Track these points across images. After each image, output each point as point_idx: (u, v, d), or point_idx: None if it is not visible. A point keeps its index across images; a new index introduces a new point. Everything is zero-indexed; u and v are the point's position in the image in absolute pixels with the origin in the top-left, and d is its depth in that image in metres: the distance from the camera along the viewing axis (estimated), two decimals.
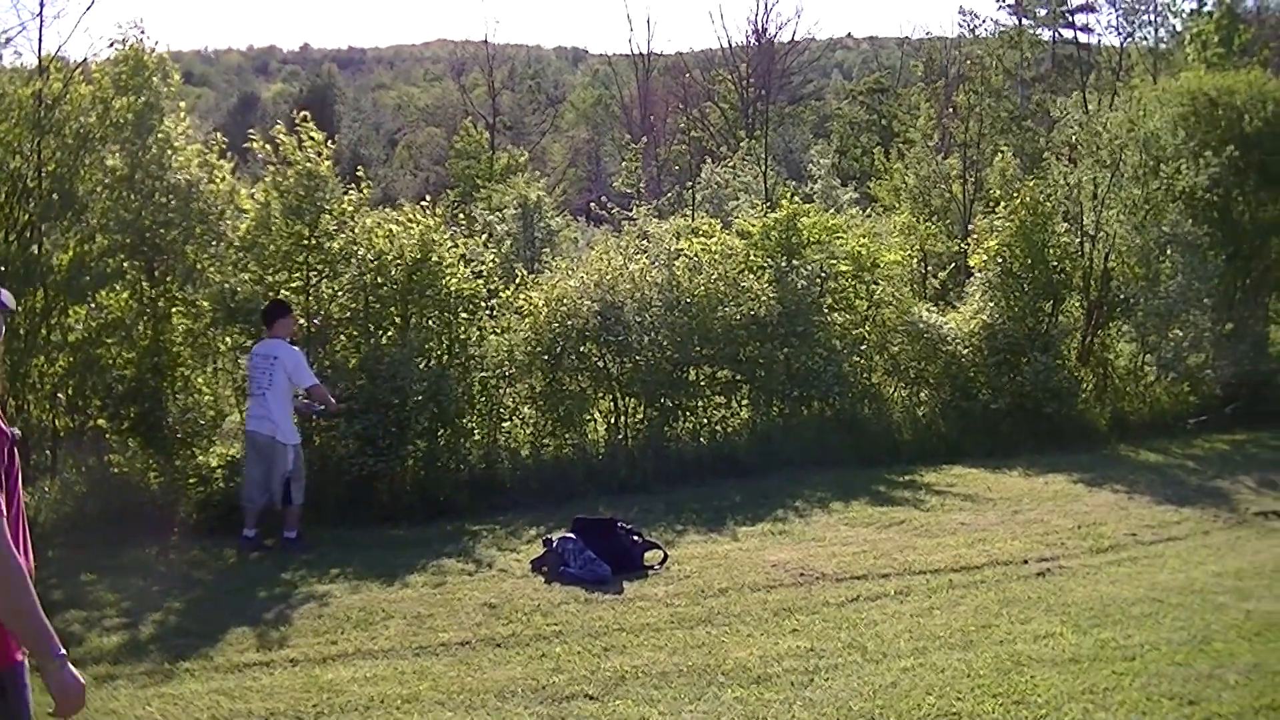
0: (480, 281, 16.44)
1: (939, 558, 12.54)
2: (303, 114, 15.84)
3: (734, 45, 73.28)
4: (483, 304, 16.52)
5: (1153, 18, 59.36)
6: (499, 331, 16.67)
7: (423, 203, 16.64)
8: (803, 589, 11.42)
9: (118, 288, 14.69)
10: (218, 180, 15.17)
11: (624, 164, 51.13)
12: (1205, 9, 39.90)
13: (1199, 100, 24.25)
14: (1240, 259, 24.00)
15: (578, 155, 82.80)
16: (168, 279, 15.01)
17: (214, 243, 15.08)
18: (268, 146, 15.36)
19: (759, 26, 70.91)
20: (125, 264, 14.64)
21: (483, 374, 16.35)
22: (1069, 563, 12.40)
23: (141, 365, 14.83)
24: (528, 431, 16.98)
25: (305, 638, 10.07)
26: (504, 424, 16.88)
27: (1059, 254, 21.24)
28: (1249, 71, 26.52)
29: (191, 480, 14.55)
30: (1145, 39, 59.67)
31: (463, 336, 16.22)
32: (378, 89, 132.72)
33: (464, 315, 16.23)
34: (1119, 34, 62.21)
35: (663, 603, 11.03)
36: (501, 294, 17.13)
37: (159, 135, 14.65)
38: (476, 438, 16.34)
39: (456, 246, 16.25)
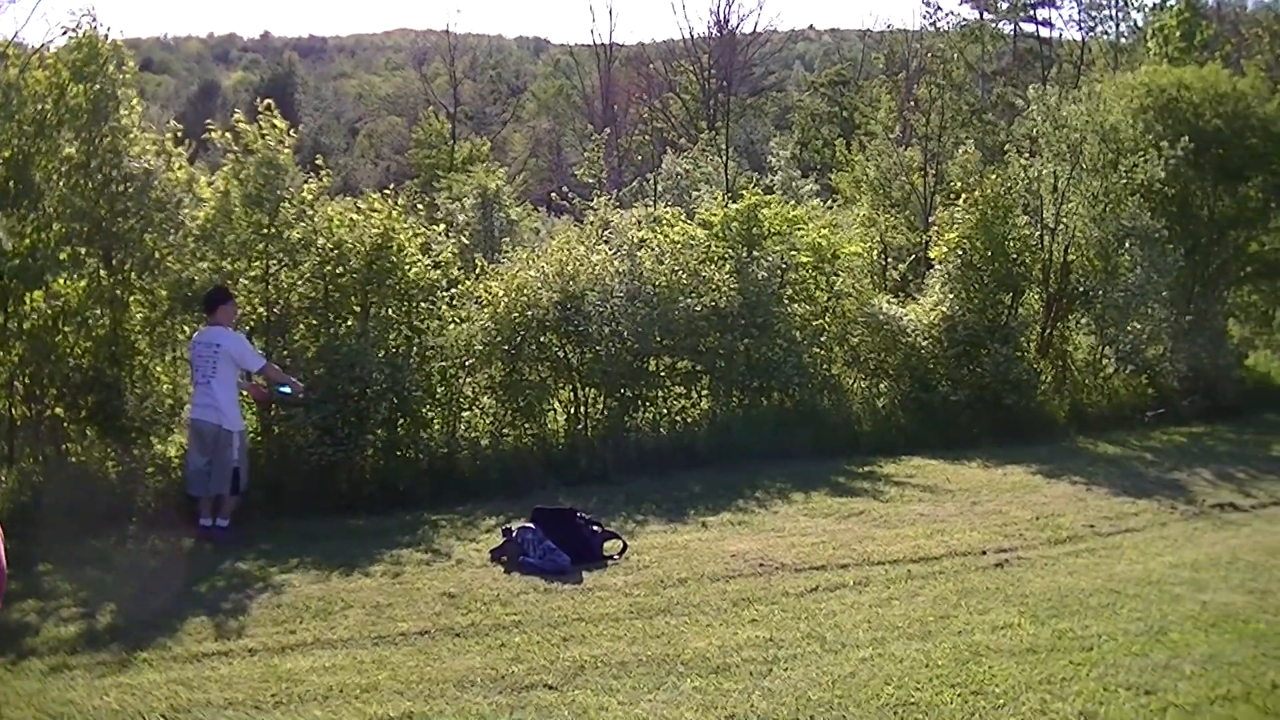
0: (439, 271, 16.37)
1: (898, 548, 12.58)
2: (266, 102, 15.75)
3: (696, 36, 73.16)
4: (442, 294, 16.45)
5: (1114, 13, 59.57)
6: (459, 321, 16.59)
7: (383, 192, 16.56)
8: (762, 579, 11.44)
9: (75, 276, 14.54)
10: (175, 168, 15.04)
11: (585, 154, 51.09)
12: (1168, 4, 40.13)
13: (1157, 95, 24.43)
14: (1198, 253, 24.21)
15: (539, 145, 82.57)
16: (125, 267, 14.85)
17: (172, 231, 14.91)
18: (228, 135, 15.25)
19: (721, 18, 70.78)
20: (83, 252, 14.50)
21: (442, 364, 16.26)
22: (1027, 554, 12.47)
23: (99, 354, 14.68)
24: (487, 421, 16.93)
25: (264, 627, 10.01)
26: (464, 414, 16.81)
27: (1019, 246, 21.33)
28: (1206, 67, 26.70)
29: (150, 470, 14.41)
30: (1106, 34, 59.88)
31: (422, 326, 16.14)
32: (339, 78, 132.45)
33: (424, 305, 16.16)
34: (1080, 29, 62.45)
35: (622, 593, 11.02)
36: (461, 284, 17.06)
37: (114, 123, 14.51)
38: (436, 428, 16.28)
39: (417, 236, 16.18)
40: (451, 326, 16.45)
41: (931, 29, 60.63)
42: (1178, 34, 36.77)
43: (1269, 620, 10.22)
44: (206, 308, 13.60)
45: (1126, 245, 21.33)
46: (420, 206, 18.22)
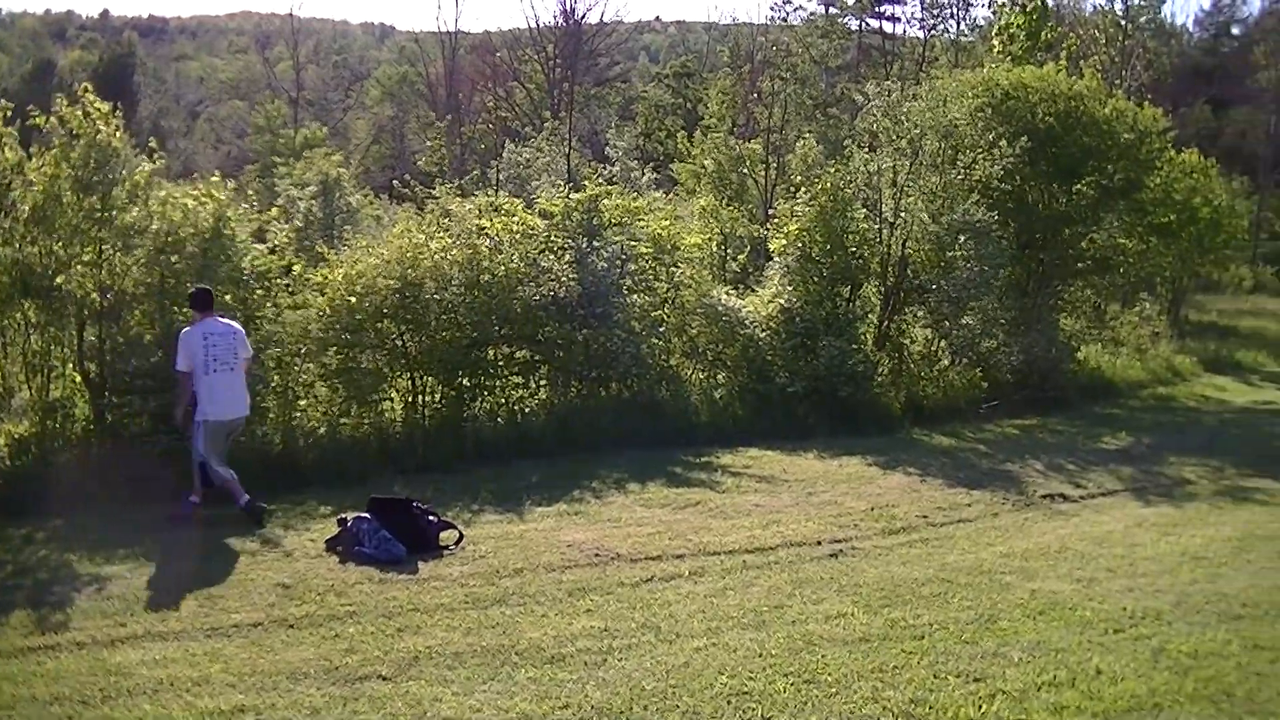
0: (275, 257, 16.15)
1: (734, 539, 12.64)
2: (84, 85, 15.38)
3: (542, 25, 73.23)
4: (278, 280, 16.23)
5: (955, 11, 60.58)
6: (295, 308, 16.36)
7: (214, 177, 16.28)
8: (598, 569, 11.43)
9: None
10: (5, 149, 14.66)
11: (429, 142, 50.77)
12: (1018, 3, 40.82)
13: (997, 93, 24.82)
14: (1033, 248, 24.65)
15: (382, 132, 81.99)
16: None
17: (2, 214, 14.57)
18: (53, 120, 14.87)
19: (568, 7, 70.94)
20: None
21: (278, 351, 16.03)
22: (861, 544, 12.61)
23: None
24: (323, 410, 16.72)
25: (93, 620, 9.77)
26: (300, 402, 16.59)
27: (858, 240, 21.57)
28: (1046, 67, 27.23)
29: None
30: (948, 32, 60.89)
31: (258, 313, 15.89)
32: (180, 60, 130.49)
33: (259, 292, 15.92)
34: (922, 27, 63.43)
35: (458, 583, 10.95)
36: (297, 270, 16.84)
37: None
38: (272, 416, 16.04)
39: (251, 221, 15.95)
40: (288, 313, 16.21)
41: (779, 23, 61.11)
42: (1023, 34, 37.41)
43: (1094, 607, 10.50)
44: (203, 304, 13.42)
45: (962, 240, 21.61)
46: (252, 192, 17.94)
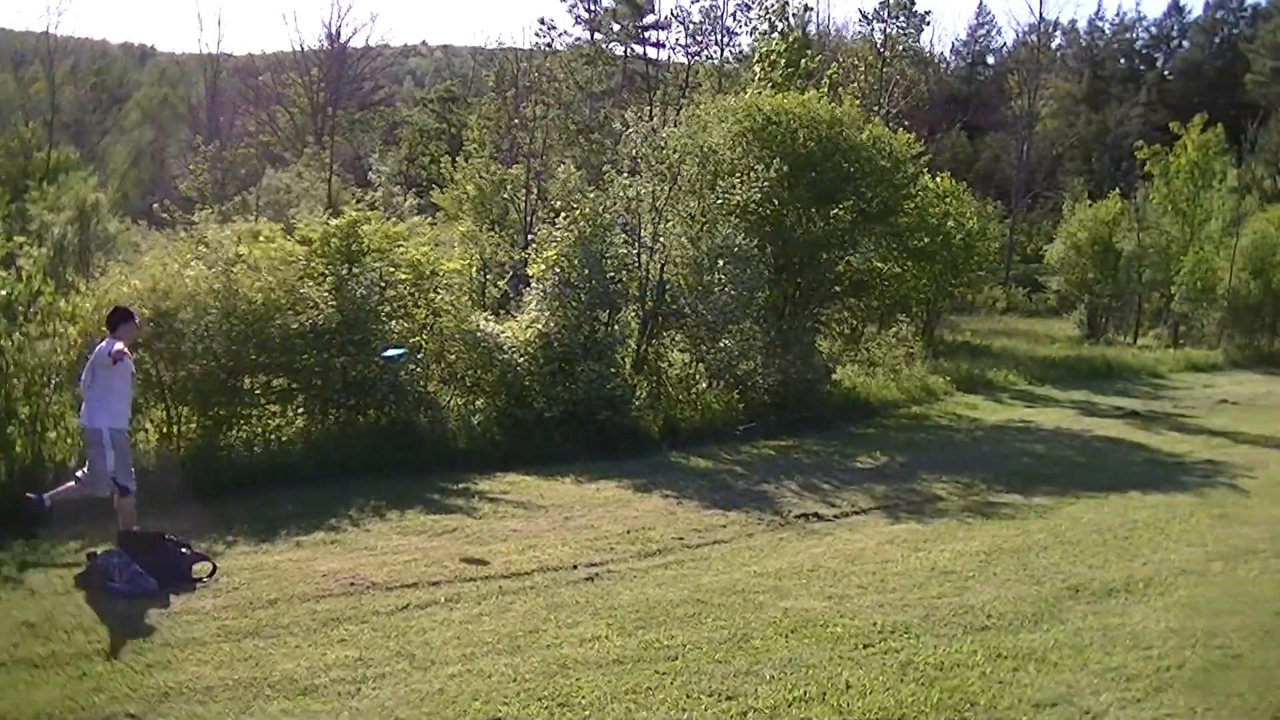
0: (22, 285, 15.72)
1: (490, 565, 12.60)
2: None
3: (307, 49, 72.58)
4: (25, 308, 15.80)
5: (719, 38, 61.49)
6: (45, 337, 15.93)
7: None
8: (352, 598, 11.30)
9: None
10: None
11: (189, 167, 49.90)
12: (778, 31, 41.56)
13: (757, 118, 25.20)
14: (790, 271, 25.04)
15: (141, 156, 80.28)
16: None
17: None
18: None
19: (332, 31, 70.38)
20: None
21: (25, 381, 15.59)
22: (617, 567, 12.70)
23: None
24: (71, 442, 16.29)
25: None
26: (49, 434, 16.15)
27: (616, 265, 21.69)
28: (807, 94, 27.74)
29: None
30: (711, 58, 61.73)
31: (2, 343, 15.44)
32: None
33: (3, 320, 15.47)
34: (687, 53, 64.24)
35: (210, 616, 10.73)
36: (45, 299, 16.41)
37: None
38: (18, 450, 15.58)
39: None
40: (37, 343, 15.78)
41: (545, 48, 61.36)
42: (783, 61, 38.10)
43: (845, 623, 10.72)
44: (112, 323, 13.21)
45: (720, 264, 21.87)
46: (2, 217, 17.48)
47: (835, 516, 15.72)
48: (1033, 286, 62.54)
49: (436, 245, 22.15)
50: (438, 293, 20.44)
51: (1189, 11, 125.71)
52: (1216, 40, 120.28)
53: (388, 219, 21.84)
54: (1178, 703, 9.01)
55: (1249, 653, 10.28)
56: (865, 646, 10.11)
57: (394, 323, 19.48)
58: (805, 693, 8.89)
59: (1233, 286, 46.72)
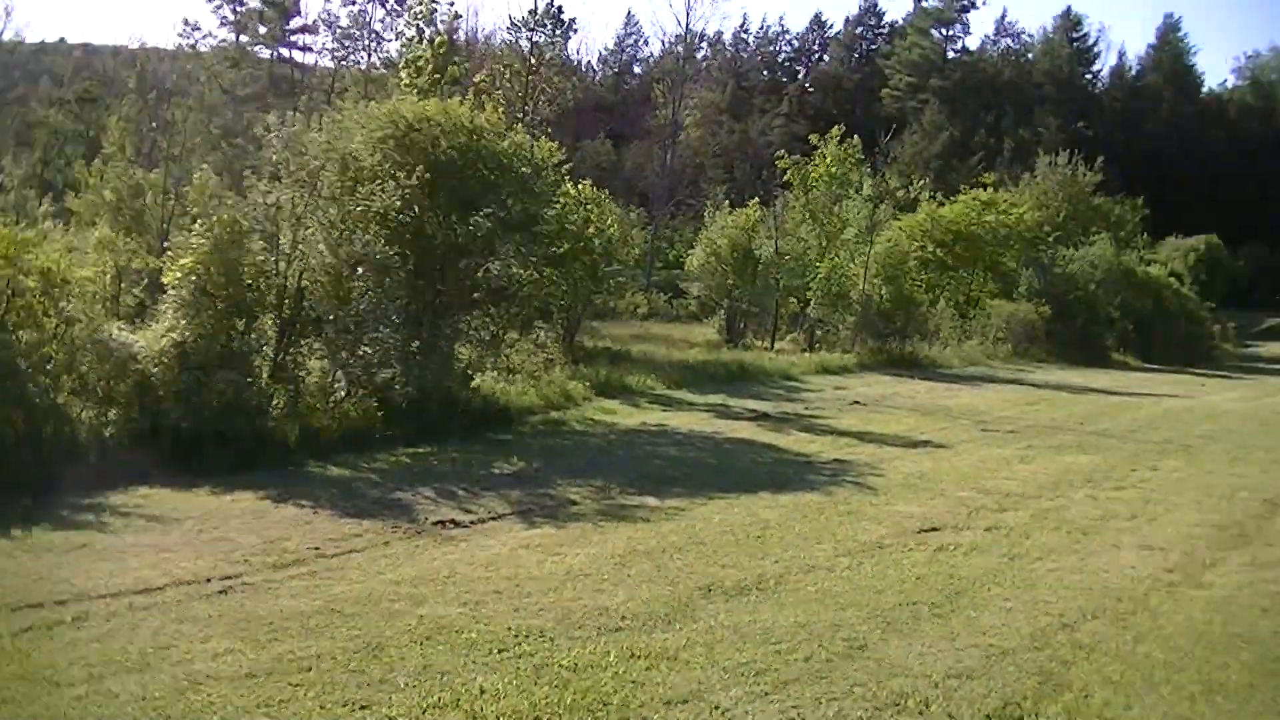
0: None
1: (119, 581, 12.32)
2: None
3: None
4: None
5: (366, 43, 61.22)
6: None
7: None
8: None
9: None
10: None
11: None
12: (425, 38, 41.60)
13: (400, 124, 25.19)
14: (430, 278, 25.09)
15: None
16: None
17: None
18: None
19: None
20: None
21: None
22: (251, 579, 12.62)
23: None
24: None
25: None
26: None
27: (254, 272, 21.42)
28: (451, 101, 27.85)
29: None
30: (358, 63, 61.44)
31: None
32: None
33: None
34: (334, 58, 63.80)
35: None
36: None
37: None
38: None
39: None
40: None
41: (189, 50, 60.14)
42: (430, 67, 38.14)
43: (480, 629, 10.93)
44: None
45: (359, 271, 21.83)
46: None
47: (472, 523, 15.87)
48: (674, 292, 63.47)
49: (70, 251, 21.53)
50: (69, 301, 19.87)
51: (830, 26, 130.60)
52: (855, 55, 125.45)
53: (18, 224, 21.19)
54: (804, 694, 9.49)
55: (873, 643, 10.87)
56: (500, 651, 10.33)
57: (22, 333, 18.87)
58: (439, 699, 9.08)
59: (866, 292, 48.43)
